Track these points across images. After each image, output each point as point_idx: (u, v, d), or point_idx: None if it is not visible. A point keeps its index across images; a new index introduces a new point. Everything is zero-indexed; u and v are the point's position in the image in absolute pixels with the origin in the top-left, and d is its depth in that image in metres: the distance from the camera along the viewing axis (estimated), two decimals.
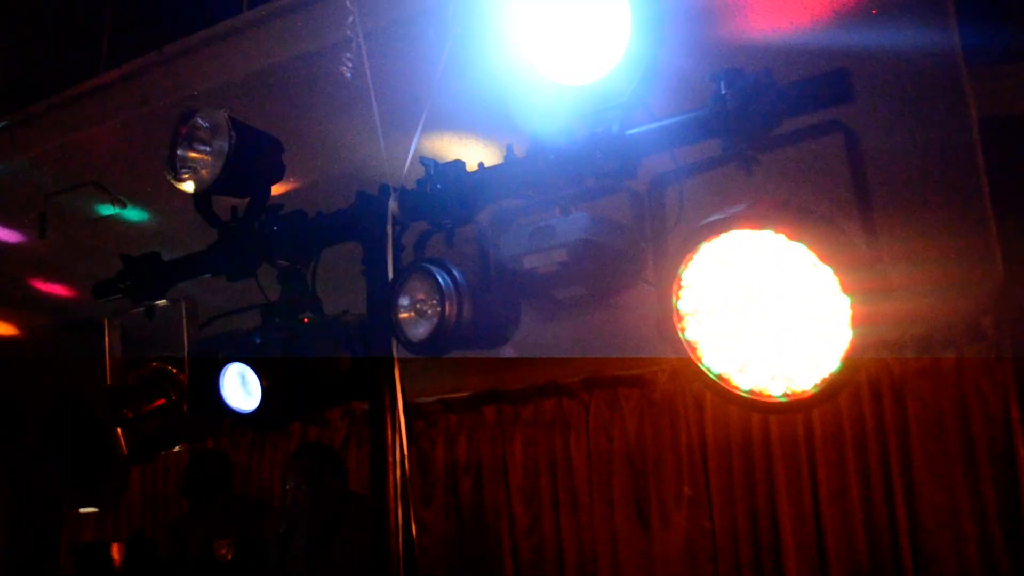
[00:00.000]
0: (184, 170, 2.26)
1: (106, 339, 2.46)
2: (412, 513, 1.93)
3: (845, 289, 1.47)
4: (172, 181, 2.28)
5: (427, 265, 1.91)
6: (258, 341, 2.13)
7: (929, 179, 2.64)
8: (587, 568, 5.50)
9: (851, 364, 1.51)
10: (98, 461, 2.16)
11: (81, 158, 3.90)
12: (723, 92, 1.62)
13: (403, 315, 1.91)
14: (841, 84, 1.58)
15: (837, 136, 1.60)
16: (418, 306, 1.89)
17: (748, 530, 5.03)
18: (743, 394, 1.65)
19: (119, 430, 2.12)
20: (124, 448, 2.12)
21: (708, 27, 2.02)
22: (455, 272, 1.88)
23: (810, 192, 1.84)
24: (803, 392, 1.58)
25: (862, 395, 4.70)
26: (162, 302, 2.42)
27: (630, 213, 1.79)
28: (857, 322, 1.47)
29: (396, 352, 1.96)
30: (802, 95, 1.59)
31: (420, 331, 1.88)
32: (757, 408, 1.66)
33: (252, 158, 2.24)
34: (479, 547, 5.89)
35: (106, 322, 2.49)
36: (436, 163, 2.02)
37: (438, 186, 1.98)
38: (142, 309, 2.44)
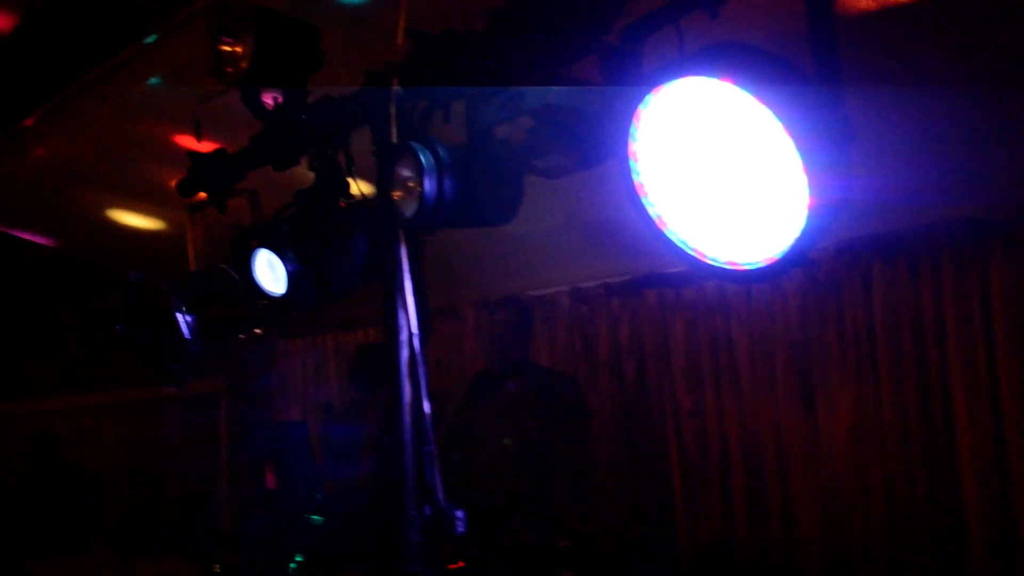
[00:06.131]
0: (226, 65, 2.32)
1: (188, 232, 2.62)
2: (424, 393, 1.94)
3: (796, 141, 1.29)
4: (217, 79, 2.34)
5: (411, 144, 1.87)
6: (280, 228, 2.19)
7: None
8: (750, 450, 5.38)
9: (815, 226, 1.33)
10: (166, 347, 2.33)
11: None
12: None
13: (395, 194, 1.88)
14: None
15: None
16: (409, 184, 1.86)
17: (918, 411, 4.73)
18: (720, 265, 1.50)
19: (178, 317, 2.26)
20: (186, 334, 2.26)
21: None
22: (438, 149, 1.82)
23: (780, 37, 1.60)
24: (773, 257, 1.41)
25: None
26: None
27: (602, 73, 1.65)
28: (813, 180, 1.29)
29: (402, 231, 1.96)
30: None
31: (409, 209, 1.86)
32: (735, 279, 1.51)
33: (283, 47, 2.26)
34: (644, 429, 5.91)
35: (187, 216, 2.64)
36: (424, 34, 1.95)
37: (429, 59, 1.92)
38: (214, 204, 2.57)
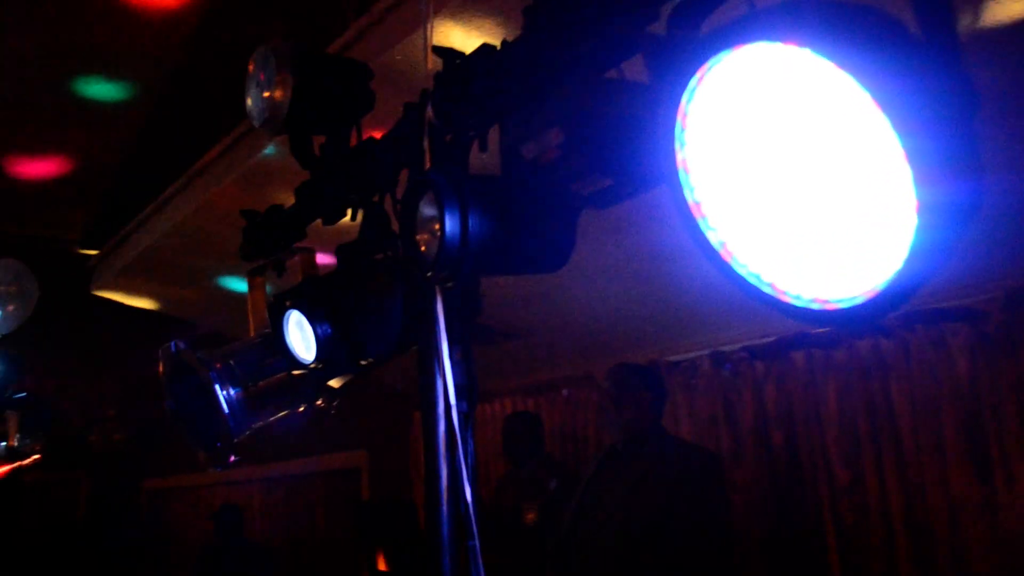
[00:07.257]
0: (264, 112, 2.10)
1: (248, 297, 2.40)
2: (466, 477, 1.60)
3: (892, 117, 0.88)
4: (256, 125, 2.13)
5: (432, 177, 1.55)
6: (314, 287, 1.91)
7: None
8: (919, 529, 4.74)
9: (930, 240, 0.92)
10: (209, 424, 2.09)
11: None
12: None
13: (418, 237, 1.57)
14: None
15: None
16: (433, 226, 1.54)
17: None
18: (805, 305, 1.10)
19: (217, 391, 2.02)
20: (224, 409, 2.02)
21: None
22: (463, 181, 1.50)
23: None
24: (874, 290, 1.00)
25: None
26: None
27: (649, 72, 1.27)
28: (921, 173, 0.88)
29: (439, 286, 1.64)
30: None
31: (431, 254, 1.53)
32: (826, 322, 1.11)
33: (327, 89, 2.02)
34: (796, 506, 5.35)
35: (248, 279, 2.43)
36: (450, 51, 1.64)
37: (459, 79, 1.61)
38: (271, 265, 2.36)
